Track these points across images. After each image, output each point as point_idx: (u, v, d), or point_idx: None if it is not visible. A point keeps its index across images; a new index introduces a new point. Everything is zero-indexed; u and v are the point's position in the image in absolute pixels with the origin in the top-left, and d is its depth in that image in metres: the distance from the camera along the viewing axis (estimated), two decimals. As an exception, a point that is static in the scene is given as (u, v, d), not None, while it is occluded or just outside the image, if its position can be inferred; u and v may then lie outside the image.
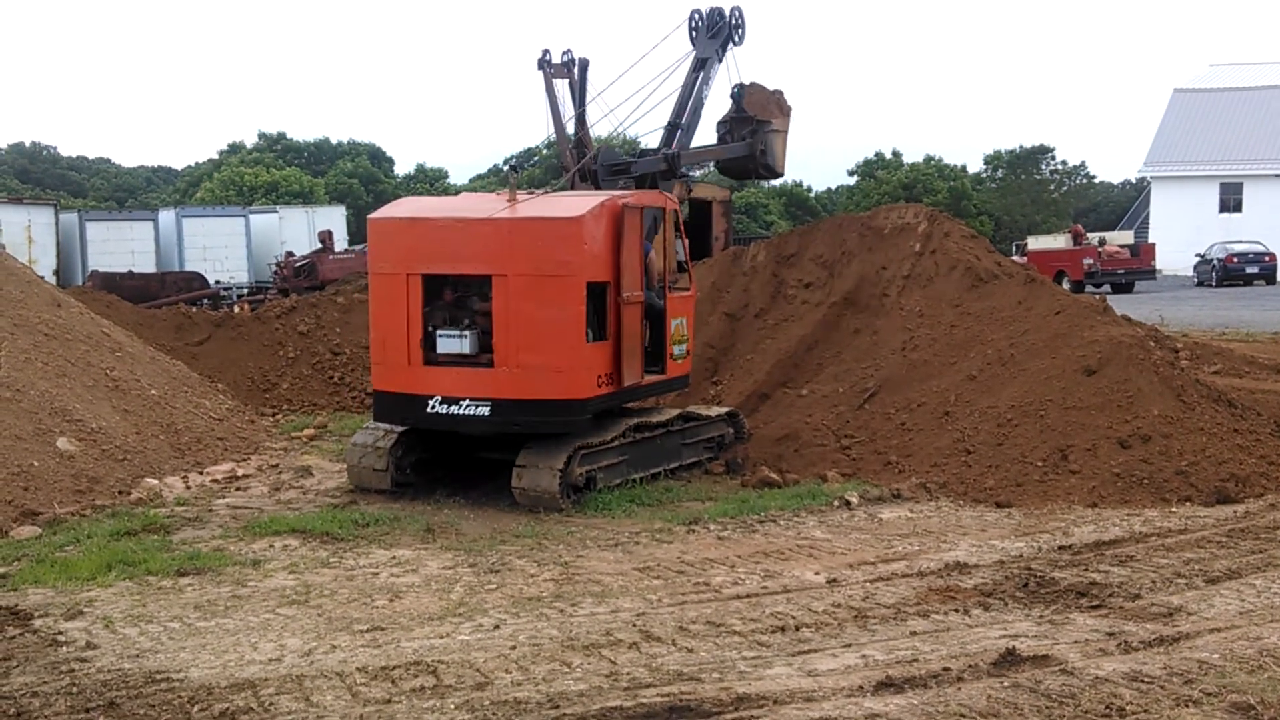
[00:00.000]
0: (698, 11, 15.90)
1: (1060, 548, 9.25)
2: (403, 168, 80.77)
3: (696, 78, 15.64)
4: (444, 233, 11.36)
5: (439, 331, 11.24)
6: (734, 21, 15.84)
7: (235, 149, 76.31)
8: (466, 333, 11.16)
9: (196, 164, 79.47)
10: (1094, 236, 44.86)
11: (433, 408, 11.12)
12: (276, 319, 19.36)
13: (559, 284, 10.93)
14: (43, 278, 18.42)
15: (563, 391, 11.00)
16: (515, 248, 11.03)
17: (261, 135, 77.60)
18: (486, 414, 11.01)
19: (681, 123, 16.04)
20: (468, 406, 11.03)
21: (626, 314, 11.45)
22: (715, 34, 15.68)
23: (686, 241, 13.51)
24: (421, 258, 11.26)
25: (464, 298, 11.43)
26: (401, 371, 11.29)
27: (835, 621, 7.46)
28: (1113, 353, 12.27)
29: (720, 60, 16.08)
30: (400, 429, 11.92)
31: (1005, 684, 6.25)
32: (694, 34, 15.90)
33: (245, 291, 35.52)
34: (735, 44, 16.05)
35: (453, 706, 6.08)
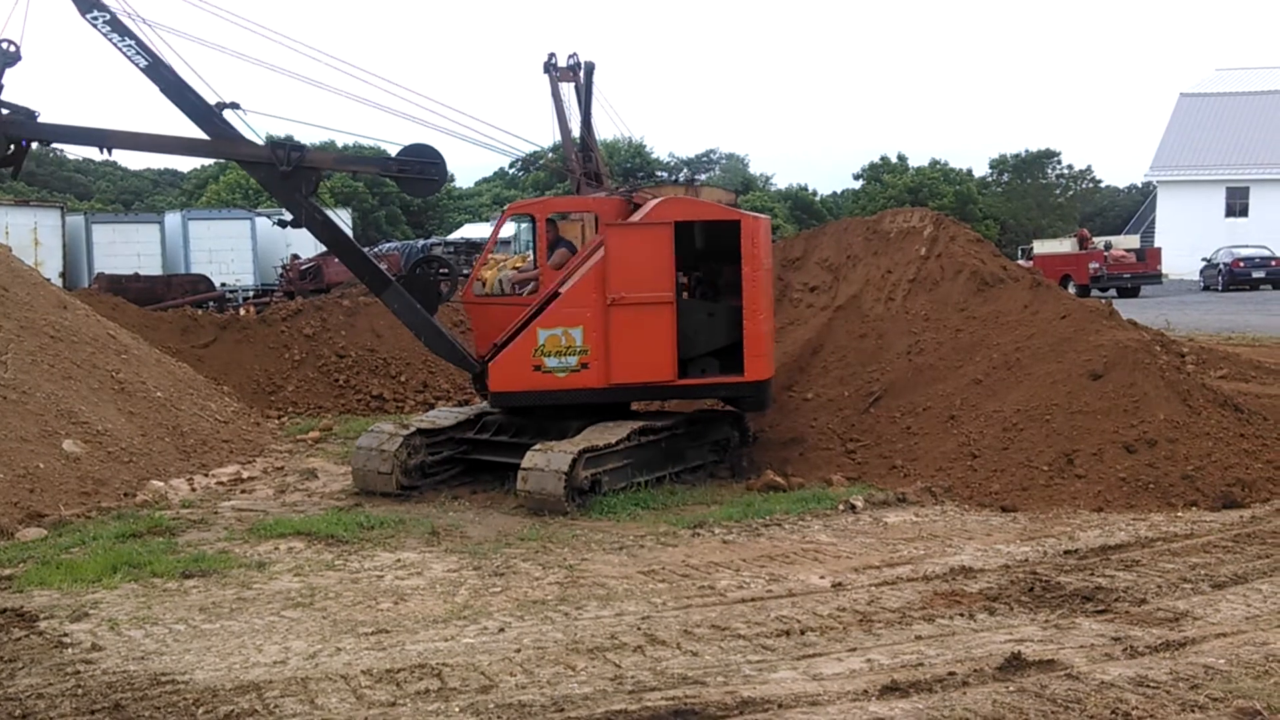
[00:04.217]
0: None
1: (1066, 552, 9.24)
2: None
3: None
4: None
5: None
6: None
7: (242, 152, 75.90)
8: None
9: (203, 166, 79.04)
10: (1100, 241, 44.78)
11: None
12: (282, 321, 19.40)
13: None
14: (49, 280, 18.44)
15: None
16: None
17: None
18: None
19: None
20: None
21: None
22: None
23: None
24: None
25: None
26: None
27: (840, 625, 7.45)
28: (1118, 357, 12.25)
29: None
30: (405, 432, 12.07)
31: (1010, 689, 6.24)
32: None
33: (251, 294, 35.52)
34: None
35: (457, 709, 6.08)
